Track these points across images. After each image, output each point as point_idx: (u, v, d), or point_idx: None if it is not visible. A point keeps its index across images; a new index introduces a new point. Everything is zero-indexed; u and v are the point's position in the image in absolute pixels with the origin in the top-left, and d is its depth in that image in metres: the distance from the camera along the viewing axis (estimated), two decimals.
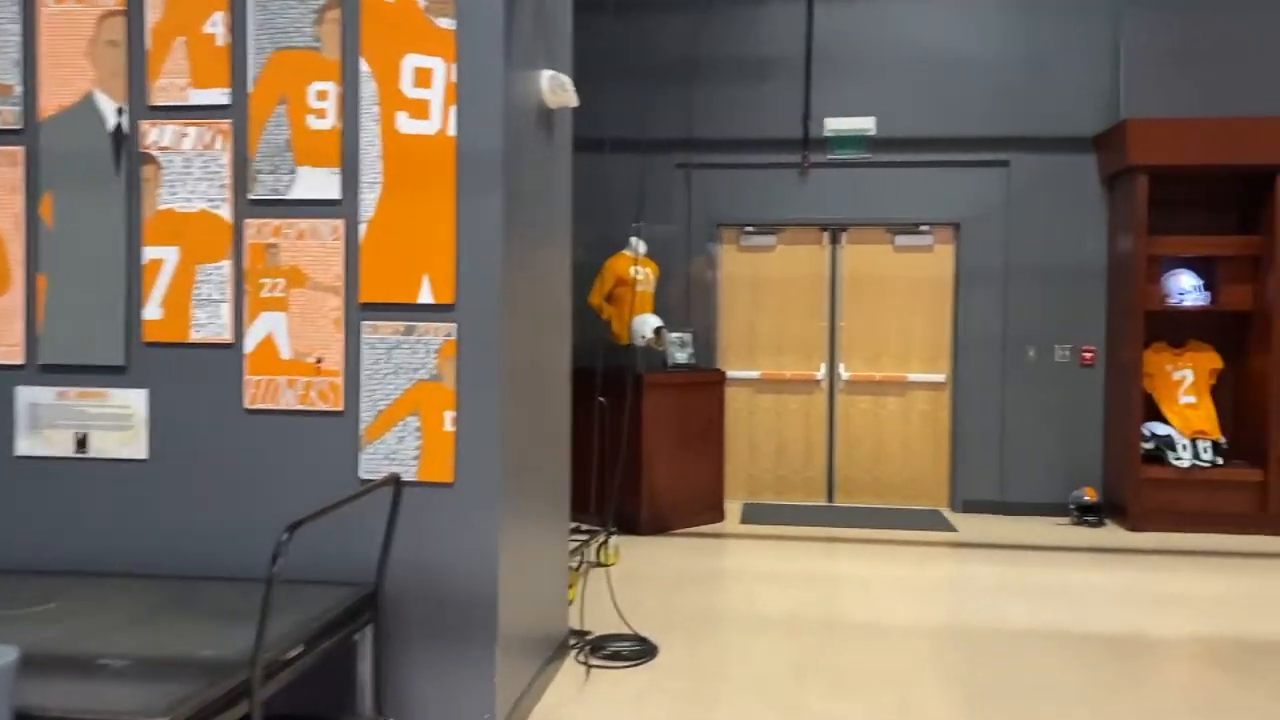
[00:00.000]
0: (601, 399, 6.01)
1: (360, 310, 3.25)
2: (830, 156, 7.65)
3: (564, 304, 4.19)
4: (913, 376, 7.76)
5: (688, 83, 7.69)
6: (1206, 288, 7.17)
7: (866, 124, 7.58)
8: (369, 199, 3.23)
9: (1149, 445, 7.06)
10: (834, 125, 7.62)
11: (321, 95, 3.25)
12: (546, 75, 3.64)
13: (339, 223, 3.25)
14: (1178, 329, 7.38)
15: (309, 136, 3.26)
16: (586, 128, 7.91)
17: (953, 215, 7.61)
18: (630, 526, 6.69)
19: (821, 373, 7.83)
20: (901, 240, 7.75)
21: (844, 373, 7.81)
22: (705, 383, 7.05)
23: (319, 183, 3.26)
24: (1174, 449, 7.00)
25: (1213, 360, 7.25)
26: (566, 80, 3.71)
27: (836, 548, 6.44)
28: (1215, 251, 7.01)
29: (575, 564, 5.52)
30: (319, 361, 3.27)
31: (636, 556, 6.10)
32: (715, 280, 7.84)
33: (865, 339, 7.81)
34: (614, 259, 7.10)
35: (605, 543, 5.83)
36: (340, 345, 3.26)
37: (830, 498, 7.88)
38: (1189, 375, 7.26)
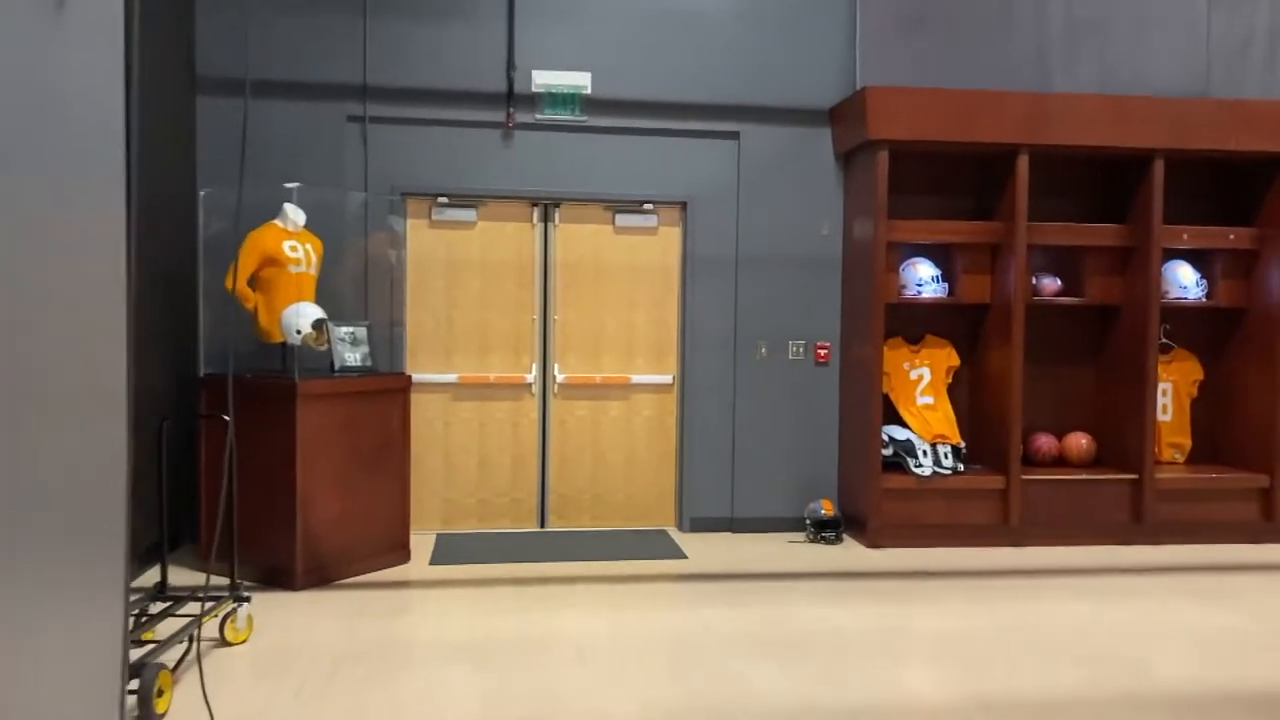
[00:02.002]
0: (226, 416, 4.44)
1: None
2: (540, 117, 6.43)
3: (110, 284, 2.66)
4: (637, 378, 6.71)
5: (362, 14, 6.19)
6: (944, 278, 6.60)
7: (581, 81, 6.42)
8: None
9: (888, 452, 6.38)
10: (544, 80, 6.40)
11: None
12: None
13: None
14: (913, 323, 6.78)
15: None
16: (229, 64, 6.20)
17: (679, 193, 6.62)
18: (281, 580, 5.16)
19: (532, 375, 6.61)
20: (623, 220, 6.66)
21: (559, 374, 6.63)
22: (384, 390, 5.62)
23: None
24: (914, 455, 6.36)
25: (950, 357, 6.70)
26: None
27: (548, 592, 5.23)
28: (954, 239, 6.43)
29: (181, 652, 3.96)
30: None
31: (282, 625, 4.59)
32: (400, 262, 6.41)
33: (583, 335, 6.66)
34: (260, 231, 5.51)
35: (233, 613, 4.29)
36: None
37: (542, 523, 6.68)
38: (926, 374, 6.67)
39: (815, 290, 6.69)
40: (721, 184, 6.62)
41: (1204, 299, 6.74)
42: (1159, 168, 6.34)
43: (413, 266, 6.46)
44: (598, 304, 6.66)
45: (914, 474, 6.29)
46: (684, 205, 6.65)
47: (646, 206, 6.64)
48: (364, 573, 5.47)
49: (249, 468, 5.22)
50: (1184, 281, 6.71)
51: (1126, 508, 6.45)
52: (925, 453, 6.38)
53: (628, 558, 5.94)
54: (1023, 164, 6.25)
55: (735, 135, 6.60)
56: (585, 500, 6.70)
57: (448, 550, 6.02)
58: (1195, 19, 6.78)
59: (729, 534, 6.62)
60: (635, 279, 6.69)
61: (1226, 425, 6.86)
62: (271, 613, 4.75)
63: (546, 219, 6.62)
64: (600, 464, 6.70)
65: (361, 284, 6.24)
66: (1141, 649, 4.44)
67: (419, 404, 6.35)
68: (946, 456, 6.40)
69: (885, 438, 6.36)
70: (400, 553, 5.71)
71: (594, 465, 6.69)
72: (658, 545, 6.27)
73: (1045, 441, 6.72)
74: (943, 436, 6.46)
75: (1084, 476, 6.44)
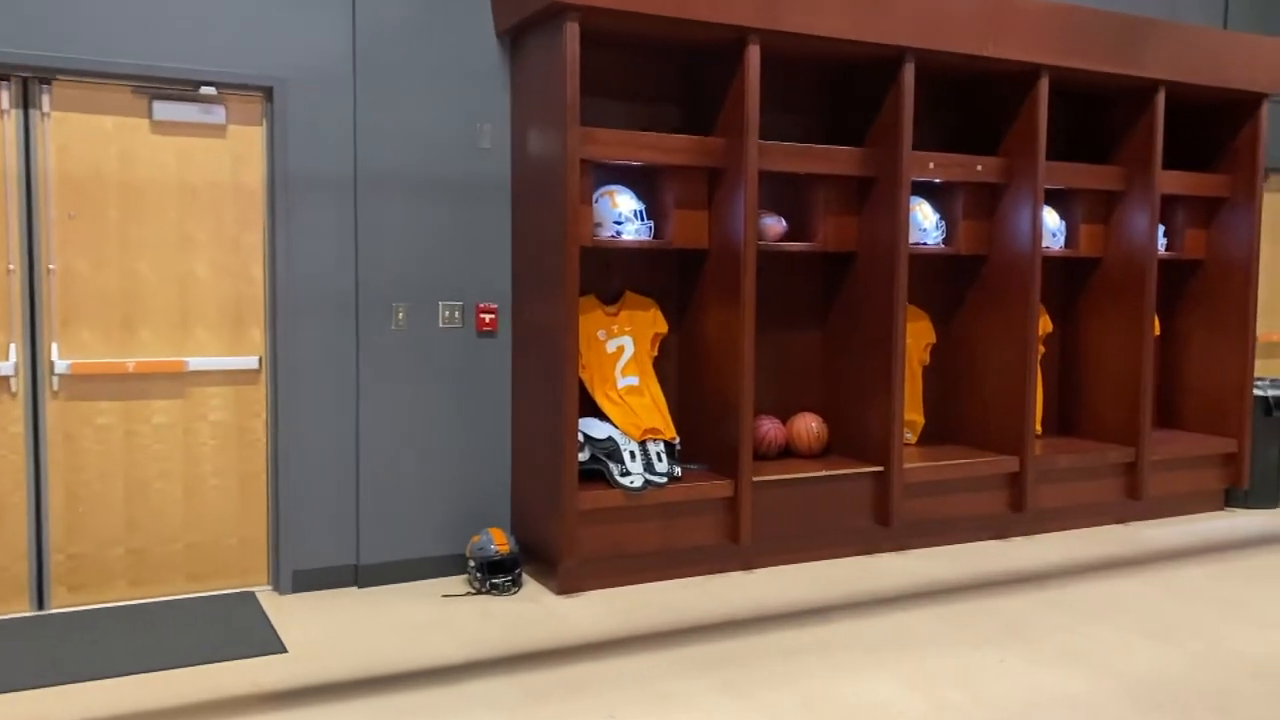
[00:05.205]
0: None
1: None
2: None
3: None
4: (199, 362, 4.30)
5: None
6: (648, 214, 4.82)
7: None
8: None
9: (584, 457, 4.53)
10: None
11: None
12: None
13: None
14: (609, 275, 4.96)
15: None
16: None
17: (260, 71, 4.25)
18: None
19: (10, 363, 3.99)
20: (166, 111, 4.18)
21: (59, 361, 4.07)
22: None
23: None
24: (619, 460, 4.56)
25: (656, 322, 4.96)
26: None
27: None
28: (666, 159, 4.64)
29: None
30: None
31: None
32: None
33: (104, 295, 4.14)
34: None
35: None
36: None
37: (41, 603, 4.11)
38: (628, 345, 4.88)
39: (475, 228, 4.64)
40: (329, 62, 4.34)
41: (943, 244, 5.53)
42: (909, 73, 4.96)
43: None
44: (127, 245, 4.16)
45: (620, 485, 4.49)
46: (269, 92, 4.29)
47: (207, 90, 4.20)
48: None
49: None
50: (923, 223, 5.44)
51: (869, 508, 5.10)
52: (633, 455, 4.59)
53: (186, 663, 3.60)
54: (753, 57, 4.58)
55: None
56: (116, 559, 4.21)
57: None
58: None
59: (354, 590, 4.46)
60: (192, 205, 4.25)
61: (962, 397, 5.75)
62: None
63: (28, 103, 3.98)
64: (140, 499, 4.24)
65: None
66: None
67: None
68: (660, 458, 4.66)
69: (580, 437, 4.50)
70: None
71: (129, 502, 4.22)
72: (239, 628, 3.97)
73: (770, 428, 5.20)
74: (654, 431, 4.71)
75: (826, 473, 4.99)
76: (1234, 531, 5.70)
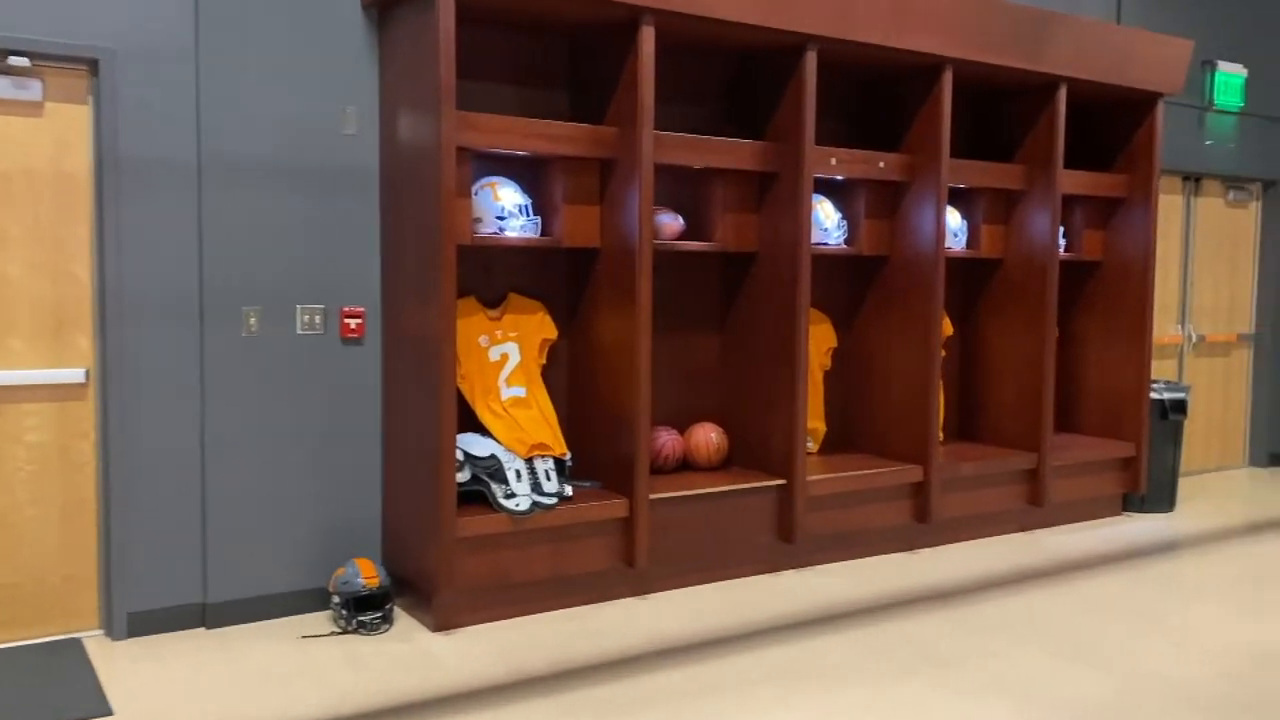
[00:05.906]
0: None
1: None
2: None
3: None
4: (10, 375, 3.71)
5: None
6: (535, 209, 4.42)
7: None
8: None
9: (463, 477, 4.10)
10: None
11: None
12: None
13: None
14: (491, 276, 4.54)
15: None
16: None
17: (84, 38, 3.69)
18: None
19: None
20: None
21: None
22: None
23: None
24: (503, 480, 4.14)
25: (544, 326, 4.55)
26: None
27: None
28: (553, 148, 4.24)
29: None
30: None
31: None
32: None
33: None
34: None
35: None
36: None
37: None
38: (513, 352, 4.46)
39: (339, 223, 4.16)
40: (167, 31, 3.80)
41: (844, 244, 5.28)
42: (811, 62, 4.68)
43: None
44: None
45: (504, 508, 4.07)
46: (94, 65, 3.73)
47: (18, 61, 3.62)
48: None
49: None
50: (824, 222, 5.18)
51: (772, 523, 4.81)
52: (519, 474, 4.18)
53: None
54: (647, 39, 4.22)
55: None
56: None
57: None
58: None
59: (201, 633, 3.93)
60: (3, 195, 3.66)
61: (864, 403, 5.51)
62: None
63: None
64: None
65: None
66: None
67: None
68: (548, 476, 4.26)
69: (459, 455, 4.06)
70: None
71: None
72: (56, 684, 3.41)
73: (668, 440, 4.85)
74: (542, 447, 4.30)
75: (727, 487, 4.66)
76: (1135, 537, 5.62)
